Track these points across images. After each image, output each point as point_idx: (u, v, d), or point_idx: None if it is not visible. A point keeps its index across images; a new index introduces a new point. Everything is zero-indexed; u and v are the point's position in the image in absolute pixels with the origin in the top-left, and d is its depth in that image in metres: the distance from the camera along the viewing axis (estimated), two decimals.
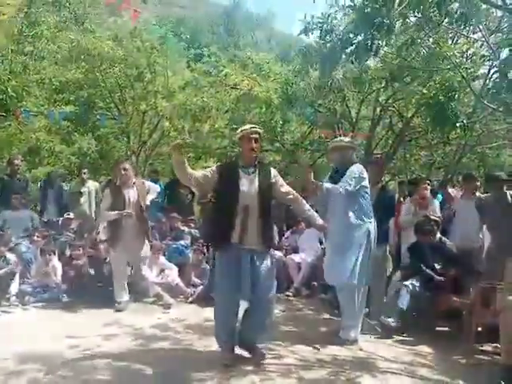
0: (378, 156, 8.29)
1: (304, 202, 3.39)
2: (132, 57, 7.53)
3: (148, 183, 4.98)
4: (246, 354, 3.27)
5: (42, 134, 7.52)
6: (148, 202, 4.75)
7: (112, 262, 4.71)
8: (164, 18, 12.49)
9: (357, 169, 3.62)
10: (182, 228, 6.29)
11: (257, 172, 3.19)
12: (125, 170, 4.61)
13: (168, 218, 6.37)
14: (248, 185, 3.13)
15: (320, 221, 3.46)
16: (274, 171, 3.33)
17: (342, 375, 3.02)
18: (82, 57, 7.36)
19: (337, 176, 3.66)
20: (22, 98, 6.67)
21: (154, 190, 4.91)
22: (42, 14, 6.89)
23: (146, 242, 4.76)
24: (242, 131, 3.23)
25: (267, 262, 3.20)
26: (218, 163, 11.79)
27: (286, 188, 3.32)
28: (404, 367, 3.23)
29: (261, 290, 3.12)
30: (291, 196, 3.33)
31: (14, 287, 4.72)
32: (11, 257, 4.95)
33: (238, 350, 3.27)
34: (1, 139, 7.72)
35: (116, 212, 4.47)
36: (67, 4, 7.48)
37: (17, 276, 4.82)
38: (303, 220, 6.16)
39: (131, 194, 4.57)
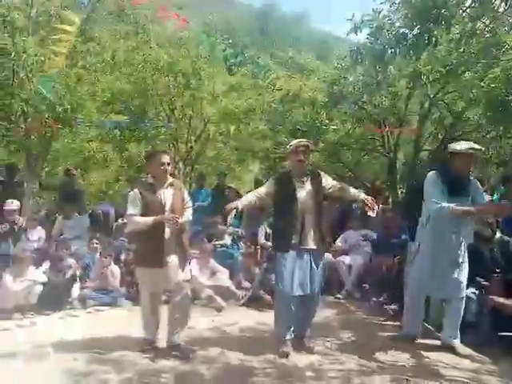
0: None
1: (347, 186, 3.73)
2: (179, 65, 7.74)
3: (187, 197, 3.62)
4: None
5: (95, 143, 7.91)
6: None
7: (139, 284, 3.70)
8: (210, 26, 12.70)
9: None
10: (223, 228, 6.35)
11: (309, 180, 3.55)
12: (168, 164, 3.45)
13: (212, 222, 6.42)
14: (303, 192, 3.50)
15: (364, 196, 3.55)
16: (324, 175, 3.66)
17: (407, 382, 2.92)
18: (136, 68, 7.66)
19: (456, 185, 3.38)
20: (76, 110, 7.05)
21: (189, 213, 3.59)
22: (95, 30, 7.28)
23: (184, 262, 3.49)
24: (290, 146, 3.59)
25: (322, 263, 3.59)
26: (262, 166, 11.85)
27: (332, 183, 3.65)
28: (471, 375, 3.07)
29: (314, 288, 3.47)
30: (337, 186, 3.65)
31: (76, 291, 4.96)
32: (71, 261, 5.22)
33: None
34: (59, 149, 8.21)
35: (152, 218, 3.27)
36: (131, 15, 7.90)
37: (77, 280, 5.07)
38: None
39: (167, 197, 3.41)
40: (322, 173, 3.70)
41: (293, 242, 3.42)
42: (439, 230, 3.44)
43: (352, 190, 3.67)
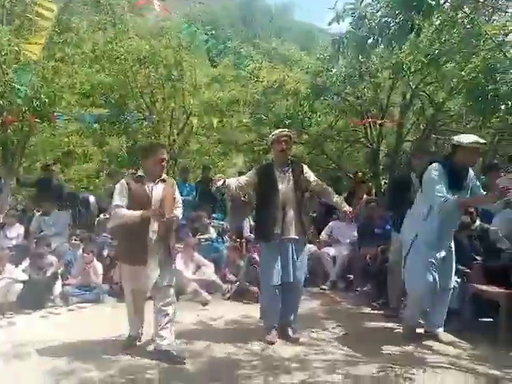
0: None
1: (331, 189, 3.77)
2: (160, 56, 7.61)
3: (178, 196, 3.50)
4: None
5: (74, 137, 7.73)
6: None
7: (122, 281, 3.49)
8: (191, 16, 12.55)
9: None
10: (208, 221, 6.33)
11: (290, 170, 3.59)
12: (167, 160, 3.41)
13: (196, 216, 6.37)
14: (284, 183, 3.55)
15: (347, 207, 3.65)
16: (305, 167, 3.71)
17: (392, 370, 2.95)
18: (115, 59, 7.50)
19: (457, 179, 3.31)
20: (55, 103, 6.85)
21: (179, 211, 3.45)
22: (72, 20, 7.08)
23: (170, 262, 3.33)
24: (272, 136, 3.64)
25: (304, 252, 3.65)
26: (246, 159, 11.83)
27: (315, 179, 3.72)
28: (454, 361, 3.13)
29: (297, 276, 3.52)
30: (320, 185, 3.74)
31: (58, 288, 4.85)
32: (53, 259, 5.10)
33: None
34: (37, 144, 7.98)
35: (139, 212, 3.10)
36: (107, 6, 7.73)
37: (59, 277, 4.95)
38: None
39: (157, 192, 3.24)
40: (305, 166, 3.75)
41: (275, 231, 3.46)
42: (441, 223, 3.37)
43: (335, 198, 3.70)
